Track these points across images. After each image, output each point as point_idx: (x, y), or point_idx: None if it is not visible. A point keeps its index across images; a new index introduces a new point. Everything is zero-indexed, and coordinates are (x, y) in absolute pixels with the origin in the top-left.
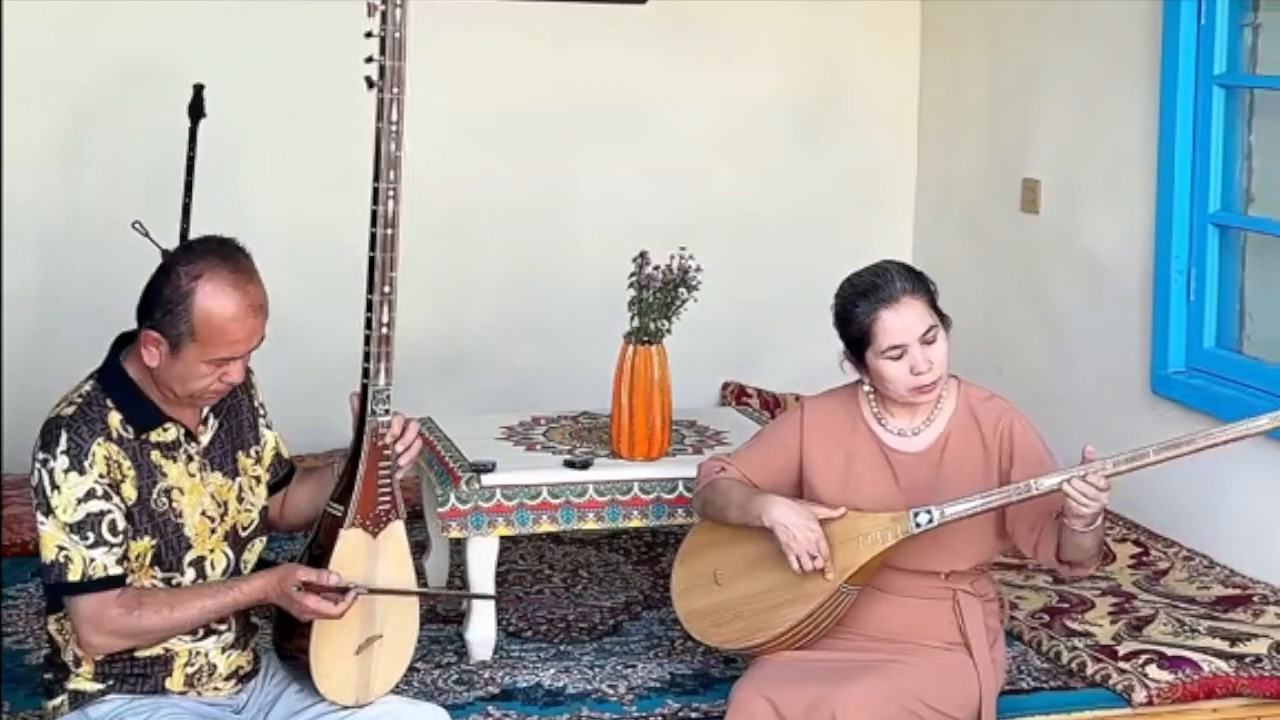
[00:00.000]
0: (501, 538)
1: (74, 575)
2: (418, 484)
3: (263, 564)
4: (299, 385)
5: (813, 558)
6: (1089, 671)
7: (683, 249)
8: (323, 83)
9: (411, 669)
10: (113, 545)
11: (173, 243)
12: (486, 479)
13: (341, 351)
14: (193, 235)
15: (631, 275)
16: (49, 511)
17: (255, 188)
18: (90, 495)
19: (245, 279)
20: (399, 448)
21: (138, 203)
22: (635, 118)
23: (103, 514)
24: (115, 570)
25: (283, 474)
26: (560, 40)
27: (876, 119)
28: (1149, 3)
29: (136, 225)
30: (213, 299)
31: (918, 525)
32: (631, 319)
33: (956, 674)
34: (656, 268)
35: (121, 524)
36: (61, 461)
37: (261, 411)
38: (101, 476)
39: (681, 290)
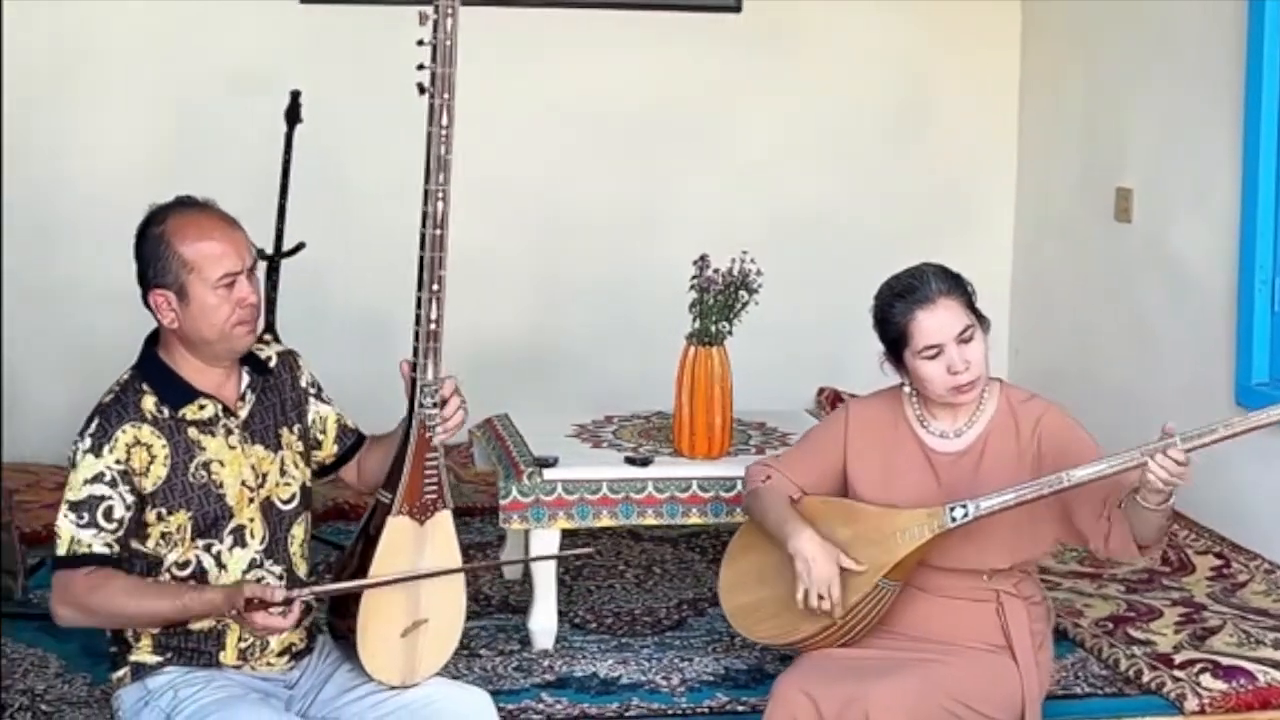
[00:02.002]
0: (580, 534)
1: (61, 550)
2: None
3: (318, 541)
4: (391, 385)
5: (820, 597)
6: (1144, 679)
7: (744, 252)
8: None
9: (473, 655)
10: (103, 529)
11: (269, 244)
12: (548, 473)
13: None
14: (288, 236)
15: (692, 278)
16: (66, 488)
17: (353, 191)
18: (98, 479)
19: (202, 205)
20: (442, 416)
21: (237, 205)
22: (725, 124)
23: (103, 499)
24: (100, 550)
25: (350, 442)
26: (650, 47)
27: (972, 126)
28: (1235, 9)
29: None
30: (185, 227)
31: (953, 519)
32: (692, 321)
33: (998, 676)
34: (716, 270)
35: (120, 512)
36: (85, 443)
37: (312, 390)
38: (117, 463)
39: (742, 293)
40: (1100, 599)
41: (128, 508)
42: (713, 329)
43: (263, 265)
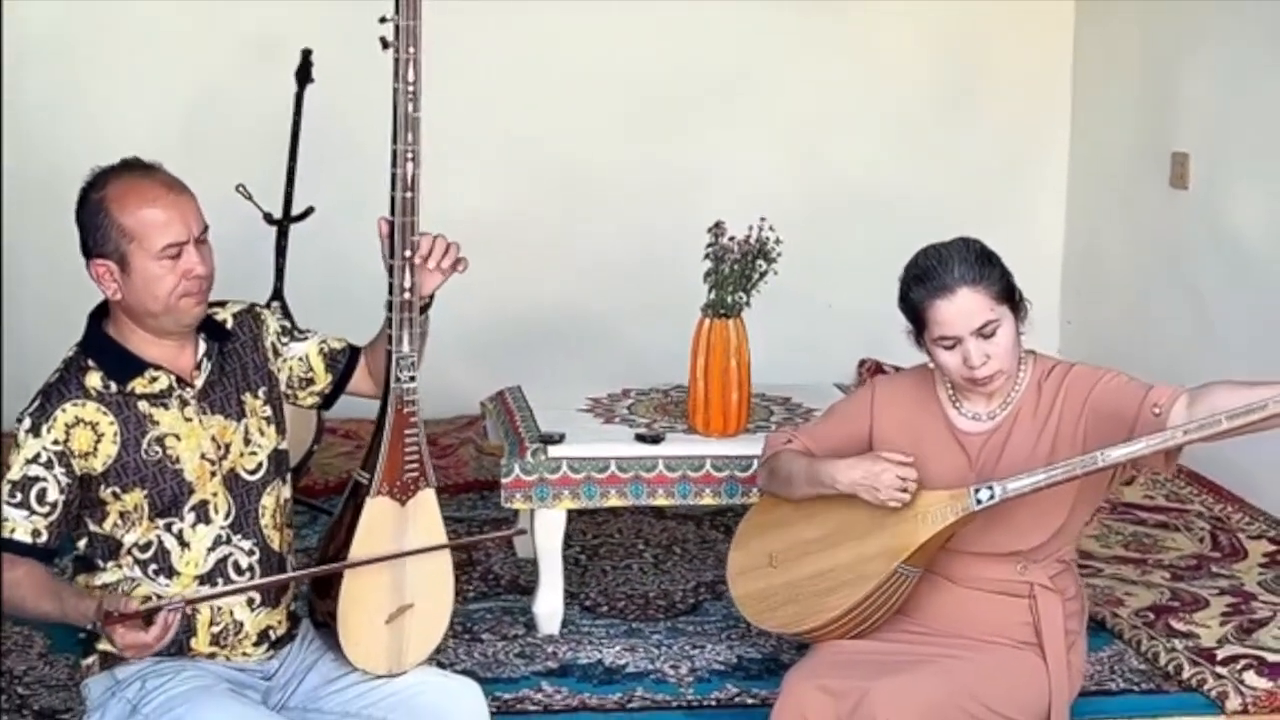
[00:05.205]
0: (603, 511)
1: None
2: None
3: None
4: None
5: (904, 490)
6: (1185, 675)
7: (763, 219)
8: (438, 53)
9: (474, 639)
10: (35, 512)
11: (277, 206)
12: (553, 450)
13: (462, 319)
14: (297, 200)
15: (707, 246)
16: (8, 467)
17: (368, 155)
18: (35, 459)
19: (146, 169)
20: (430, 264)
21: (255, 170)
22: (764, 88)
23: (36, 480)
24: (21, 538)
25: (345, 361)
26: (694, 12)
27: (1025, 90)
28: None
29: (240, 188)
30: (125, 194)
31: (978, 502)
32: (708, 292)
33: (1024, 675)
34: (732, 238)
35: (53, 495)
36: (26, 423)
37: (283, 340)
38: (55, 443)
39: (760, 262)
40: (1144, 587)
41: (62, 491)
42: (729, 300)
43: (272, 230)
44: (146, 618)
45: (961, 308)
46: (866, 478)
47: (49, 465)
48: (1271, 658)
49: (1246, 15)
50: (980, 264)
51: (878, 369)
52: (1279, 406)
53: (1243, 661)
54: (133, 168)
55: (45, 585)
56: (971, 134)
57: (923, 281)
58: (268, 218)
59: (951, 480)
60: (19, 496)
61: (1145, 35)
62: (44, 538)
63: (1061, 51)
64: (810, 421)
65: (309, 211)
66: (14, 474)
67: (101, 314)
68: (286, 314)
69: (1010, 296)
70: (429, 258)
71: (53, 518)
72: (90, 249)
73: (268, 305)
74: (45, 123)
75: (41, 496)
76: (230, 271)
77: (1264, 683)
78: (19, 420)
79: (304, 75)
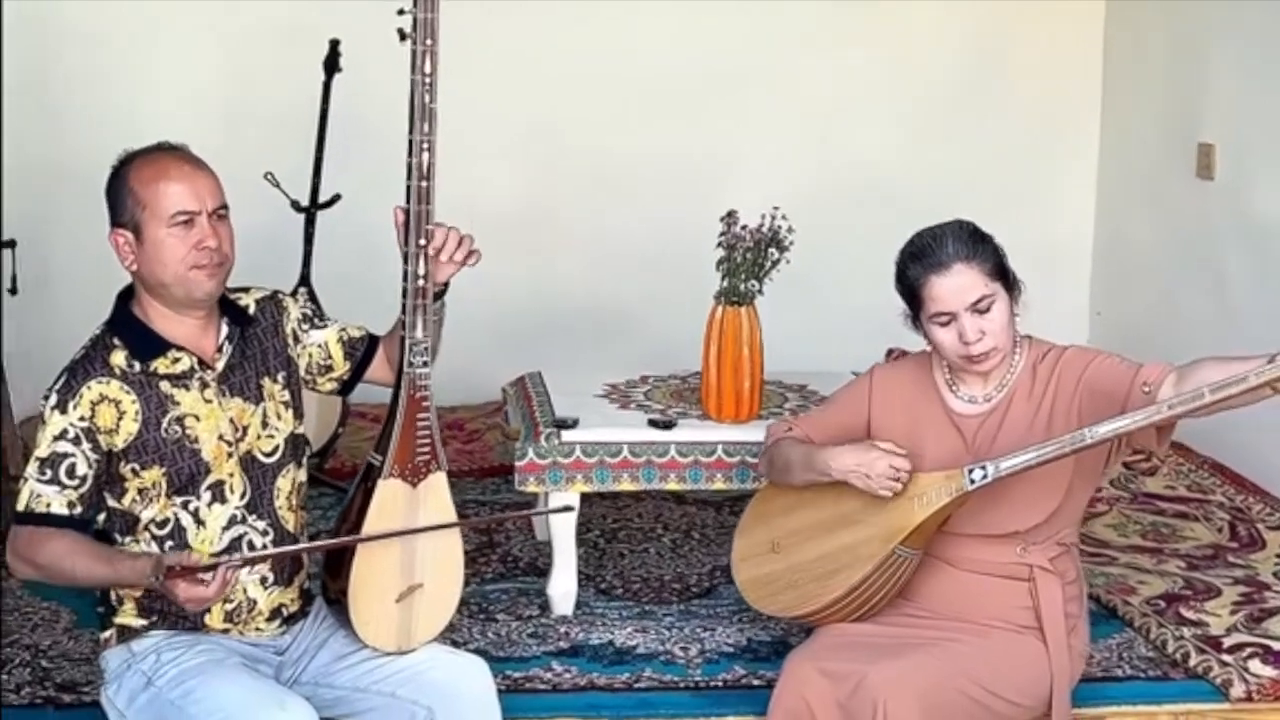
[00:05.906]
0: (623, 496)
1: (20, 504)
2: None
3: (331, 488)
4: (447, 339)
5: (896, 479)
6: (1191, 663)
7: (775, 208)
8: (458, 43)
9: (489, 619)
10: (65, 487)
11: (305, 194)
12: (566, 435)
13: (486, 306)
14: (324, 187)
15: (720, 234)
16: (36, 444)
17: (398, 143)
18: (62, 435)
19: (171, 147)
20: (443, 256)
21: (276, 156)
22: (791, 81)
23: (65, 456)
24: (58, 510)
25: (363, 350)
26: (713, 1)
27: (1053, 82)
28: None
29: (268, 176)
30: (144, 167)
31: (972, 481)
32: (720, 279)
33: (1025, 659)
34: (744, 227)
35: (82, 470)
36: (52, 399)
37: (303, 327)
38: (82, 419)
39: (772, 250)
40: (1158, 575)
41: (90, 465)
42: (741, 288)
43: (299, 217)
44: (206, 571)
45: (956, 283)
46: (860, 465)
47: (76, 441)
48: (1278, 646)
49: (1273, 7)
50: (974, 241)
51: (904, 357)
52: (1259, 379)
53: (1249, 650)
54: (160, 147)
55: (93, 551)
56: (997, 124)
57: (918, 258)
58: (295, 205)
59: (948, 463)
60: (49, 473)
61: (1172, 27)
62: (79, 509)
63: (1091, 42)
64: (813, 409)
65: (336, 199)
66: (42, 451)
67: (129, 295)
68: (314, 300)
69: (1004, 275)
70: (442, 250)
71: (84, 490)
72: (112, 220)
73: (294, 292)
74: (74, 112)
75: (71, 471)
76: (258, 258)
77: (1269, 671)
78: (45, 398)
79: (332, 65)
